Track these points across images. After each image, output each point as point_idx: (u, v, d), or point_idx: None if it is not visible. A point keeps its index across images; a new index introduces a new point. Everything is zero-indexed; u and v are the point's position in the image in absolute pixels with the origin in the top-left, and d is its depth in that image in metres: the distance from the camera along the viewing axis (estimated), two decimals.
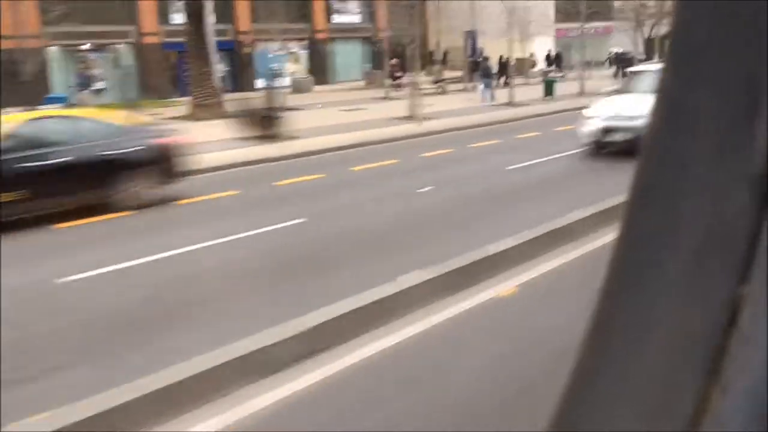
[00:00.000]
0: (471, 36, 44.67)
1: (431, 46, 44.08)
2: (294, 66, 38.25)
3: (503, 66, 39.71)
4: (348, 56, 41.31)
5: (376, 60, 42.20)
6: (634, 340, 0.44)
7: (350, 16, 42.04)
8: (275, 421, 4.09)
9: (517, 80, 37.39)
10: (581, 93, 31.23)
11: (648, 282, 0.43)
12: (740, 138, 0.41)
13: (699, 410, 0.41)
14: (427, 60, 41.79)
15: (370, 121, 22.32)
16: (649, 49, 52.15)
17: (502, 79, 34.36)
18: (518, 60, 48.23)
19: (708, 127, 0.42)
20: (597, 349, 0.46)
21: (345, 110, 26.32)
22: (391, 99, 29.83)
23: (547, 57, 46.80)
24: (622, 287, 0.45)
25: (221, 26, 28.88)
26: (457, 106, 27.01)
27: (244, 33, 36.39)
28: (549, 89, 29.99)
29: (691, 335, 0.41)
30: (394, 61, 34.86)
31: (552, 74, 35.20)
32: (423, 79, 29.47)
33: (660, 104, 0.45)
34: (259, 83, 37.19)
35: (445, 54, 41.60)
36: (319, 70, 39.14)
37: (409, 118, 22.70)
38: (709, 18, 0.42)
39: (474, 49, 45.25)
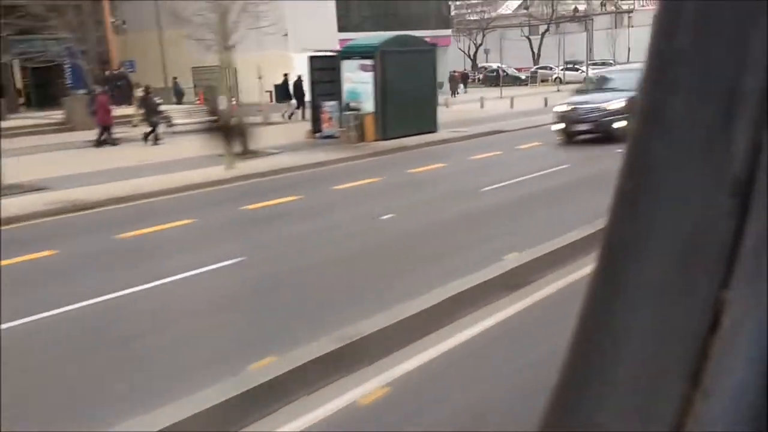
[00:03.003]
0: (69, 53, 26.18)
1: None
2: None
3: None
4: None
5: None
6: (617, 345, 0.45)
7: None
8: None
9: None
10: None
11: (630, 287, 0.44)
12: (719, 143, 0.41)
13: (681, 414, 0.41)
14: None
15: None
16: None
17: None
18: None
19: (687, 133, 0.43)
20: (581, 353, 0.47)
21: None
22: None
23: (282, 85, 28.23)
24: (606, 292, 0.46)
25: None
26: None
27: None
28: None
29: (673, 339, 0.42)
30: None
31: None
32: None
33: (639, 110, 0.45)
34: None
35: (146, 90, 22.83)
36: None
37: None
38: (688, 23, 0.43)
39: (78, 72, 26.52)
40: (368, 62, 19.93)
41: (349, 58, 20.46)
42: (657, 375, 0.42)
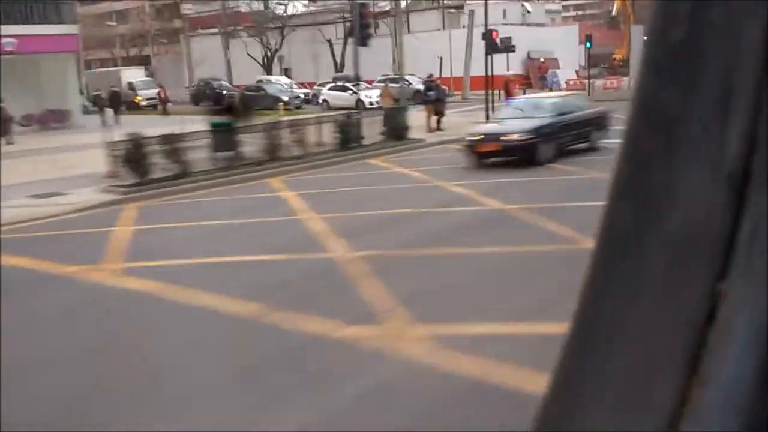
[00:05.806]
0: None
1: None
2: None
3: None
4: None
5: None
6: (614, 336, 0.45)
7: None
8: None
9: None
10: None
11: (627, 279, 0.45)
12: (714, 136, 0.42)
13: (679, 404, 0.42)
14: None
15: None
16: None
17: None
18: None
19: (683, 127, 0.43)
20: (578, 346, 0.47)
21: None
22: None
23: None
24: (602, 284, 0.46)
25: None
26: None
27: None
28: None
29: (670, 330, 0.43)
30: None
31: None
32: None
33: (636, 104, 0.46)
34: None
35: None
36: None
37: None
38: (683, 18, 0.44)
39: None
40: None
41: None
42: (654, 364, 0.42)
